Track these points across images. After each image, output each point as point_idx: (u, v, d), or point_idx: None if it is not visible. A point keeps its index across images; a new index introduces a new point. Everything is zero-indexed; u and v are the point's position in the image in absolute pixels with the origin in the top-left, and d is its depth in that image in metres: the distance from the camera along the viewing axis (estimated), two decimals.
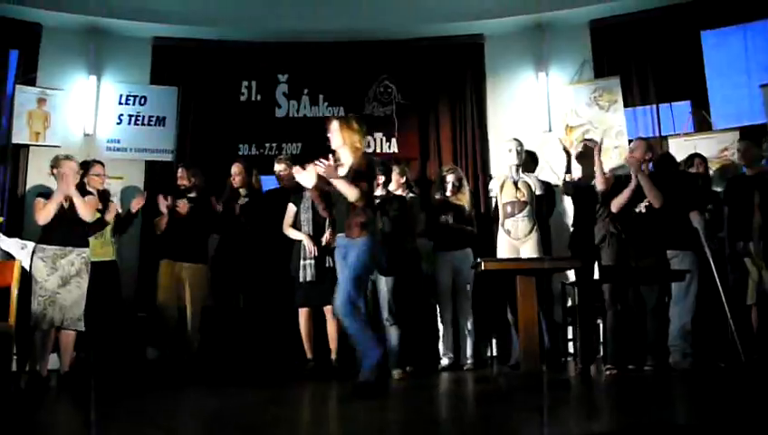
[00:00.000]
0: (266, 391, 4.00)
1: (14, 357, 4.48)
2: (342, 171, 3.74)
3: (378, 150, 6.22)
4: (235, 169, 5.33)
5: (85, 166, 4.87)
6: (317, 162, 3.65)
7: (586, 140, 5.43)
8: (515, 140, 5.19)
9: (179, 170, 5.44)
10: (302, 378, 4.64)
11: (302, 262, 4.72)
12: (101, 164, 5.03)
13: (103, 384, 4.25)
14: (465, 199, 5.25)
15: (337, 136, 3.79)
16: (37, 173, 5.63)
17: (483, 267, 3.92)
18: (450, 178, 5.24)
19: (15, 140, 5.83)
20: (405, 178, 5.13)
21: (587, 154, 5.05)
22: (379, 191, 4.71)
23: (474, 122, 6.26)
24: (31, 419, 3.17)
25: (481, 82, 6.35)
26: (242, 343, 5.10)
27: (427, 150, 6.32)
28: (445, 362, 5.11)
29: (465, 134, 6.28)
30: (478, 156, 6.18)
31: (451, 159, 6.12)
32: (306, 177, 3.72)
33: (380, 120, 6.33)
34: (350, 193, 3.62)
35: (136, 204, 5.21)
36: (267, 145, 6.24)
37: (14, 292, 4.00)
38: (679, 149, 5.45)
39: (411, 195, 5.12)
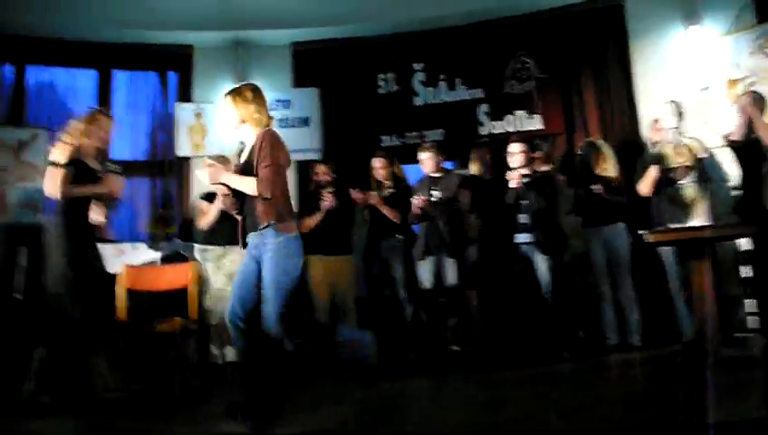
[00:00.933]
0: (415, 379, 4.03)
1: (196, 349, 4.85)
2: (244, 156, 3.16)
3: (520, 129, 6.05)
4: (378, 163, 5.35)
5: None
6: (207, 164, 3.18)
7: (752, 92, 4.93)
8: (672, 102, 4.85)
9: (317, 166, 5.53)
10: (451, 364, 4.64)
11: None
12: None
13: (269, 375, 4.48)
14: (611, 169, 4.99)
15: (232, 115, 3.17)
16: (199, 182, 6.06)
17: (649, 239, 3.70)
18: (588, 148, 5.05)
19: (179, 153, 6.35)
20: (542, 154, 4.98)
21: (753, 108, 4.59)
22: (525, 170, 4.60)
23: (620, 89, 5.92)
24: (209, 405, 3.43)
25: (624, 47, 5.99)
26: (394, 331, 5.16)
27: (573, 124, 6.05)
28: (611, 341, 4.87)
29: (611, 103, 5.95)
30: (627, 124, 5.84)
31: (598, 131, 5.83)
32: (204, 175, 3.24)
33: (520, 97, 6.15)
34: (247, 187, 3.04)
35: None
36: (408, 135, 6.29)
37: (193, 290, 4.35)
38: None
39: (547, 167, 4.95)
